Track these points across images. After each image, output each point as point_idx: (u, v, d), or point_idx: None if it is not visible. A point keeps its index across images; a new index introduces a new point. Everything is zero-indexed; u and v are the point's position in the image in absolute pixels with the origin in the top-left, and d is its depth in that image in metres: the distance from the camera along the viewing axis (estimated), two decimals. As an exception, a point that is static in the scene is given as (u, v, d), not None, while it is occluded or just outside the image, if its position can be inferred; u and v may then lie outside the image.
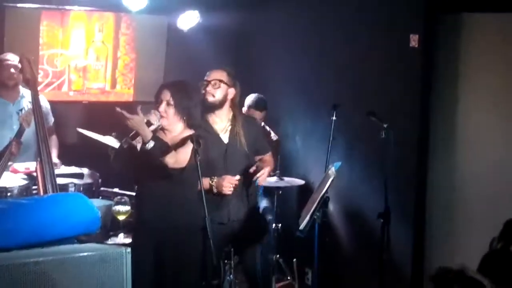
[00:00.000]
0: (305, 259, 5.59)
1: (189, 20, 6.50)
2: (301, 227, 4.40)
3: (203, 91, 4.63)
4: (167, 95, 4.23)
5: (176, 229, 4.24)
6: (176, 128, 4.30)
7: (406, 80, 5.66)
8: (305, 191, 5.56)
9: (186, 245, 4.25)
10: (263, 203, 5.71)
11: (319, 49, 6.29)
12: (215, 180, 4.56)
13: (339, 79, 6.09)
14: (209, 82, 4.65)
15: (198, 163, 4.03)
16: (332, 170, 4.64)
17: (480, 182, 5.54)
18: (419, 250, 5.72)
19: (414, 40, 5.58)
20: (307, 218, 4.50)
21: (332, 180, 4.60)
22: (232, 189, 4.55)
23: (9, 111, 5.48)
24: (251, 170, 4.65)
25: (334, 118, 5.36)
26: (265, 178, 4.69)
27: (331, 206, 5.95)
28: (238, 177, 4.59)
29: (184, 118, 4.28)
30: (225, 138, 4.69)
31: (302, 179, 5.70)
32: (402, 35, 5.62)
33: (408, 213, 5.62)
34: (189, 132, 4.27)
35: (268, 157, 4.92)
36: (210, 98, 4.65)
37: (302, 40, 6.43)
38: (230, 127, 4.71)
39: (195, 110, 4.32)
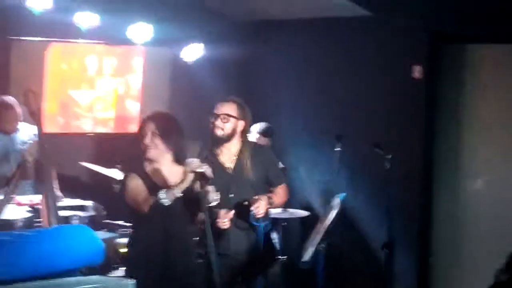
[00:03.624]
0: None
1: (193, 52, 6.54)
2: (306, 258, 4.38)
3: (212, 124, 4.61)
4: (151, 126, 4.20)
5: (174, 263, 4.20)
6: (163, 160, 4.21)
7: (409, 111, 5.68)
8: (310, 222, 5.55)
9: (185, 278, 4.21)
10: (273, 235, 5.64)
11: (323, 80, 6.32)
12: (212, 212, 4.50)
13: (343, 110, 6.11)
14: (218, 115, 4.61)
15: (203, 198, 3.98)
16: (336, 201, 4.63)
17: (484, 211, 5.53)
18: (424, 281, 5.69)
19: (417, 71, 5.60)
20: (312, 249, 4.48)
21: (337, 211, 4.59)
22: (227, 223, 4.48)
23: (6, 145, 5.49)
24: (245, 203, 4.56)
25: (338, 148, 5.36)
26: (260, 211, 4.52)
27: (335, 237, 5.93)
28: (233, 211, 4.51)
29: (171, 149, 4.25)
30: (230, 168, 4.65)
31: (306, 210, 5.70)
32: (405, 66, 5.66)
33: (413, 243, 5.61)
34: (177, 166, 4.16)
35: (279, 189, 4.76)
36: (219, 132, 4.60)
37: (306, 71, 6.46)
38: (236, 158, 4.68)
39: (181, 141, 4.26)
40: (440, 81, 5.73)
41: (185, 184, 4.01)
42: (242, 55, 6.69)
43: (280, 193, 4.75)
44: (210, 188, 4.04)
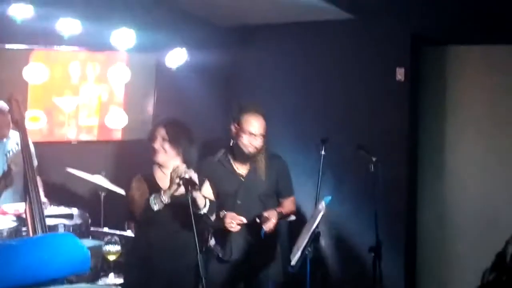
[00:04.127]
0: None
1: (177, 58, 6.53)
2: (293, 262, 4.38)
3: (239, 138, 4.52)
4: (161, 131, 4.23)
5: (170, 270, 4.21)
6: (172, 164, 4.23)
7: (393, 113, 5.70)
8: (296, 226, 5.54)
9: (183, 282, 4.22)
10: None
11: (306, 84, 6.33)
12: (222, 214, 4.50)
13: (327, 114, 6.12)
14: (254, 135, 4.54)
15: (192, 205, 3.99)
16: (322, 205, 4.63)
17: (469, 212, 5.56)
18: (411, 283, 5.71)
19: (400, 74, 5.63)
20: (299, 253, 4.48)
21: (323, 215, 4.59)
22: (235, 226, 4.48)
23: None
24: (257, 220, 4.56)
25: (323, 152, 5.37)
26: (271, 227, 4.57)
27: (322, 241, 5.93)
28: (242, 218, 4.51)
29: (180, 154, 4.26)
30: (243, 174, 4.63)
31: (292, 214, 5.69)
32: (388, 69, 5.68)
33: (399, 245, 5.62)
34: (191, 171, 4.11)
35: (288, 201, 4.82)
36: (251, 150, 4.57)
37: (290, 75, 6.47)
38: (251, 166, 4.64)
39: (191, 146, 4.29)
40: (423, 83, 5.76)
41: (171, 190, 4.01)
42: (225, 60, 6.69)
43: (288, 206, 4.78)
44: (199, 194, 4.04)
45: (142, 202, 4.11)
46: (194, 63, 6.57)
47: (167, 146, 4.20)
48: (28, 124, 6.00)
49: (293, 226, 5.82)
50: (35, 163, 5.65)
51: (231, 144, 4.69)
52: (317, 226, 4.62)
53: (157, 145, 4.20)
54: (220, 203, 4.48)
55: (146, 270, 4.19)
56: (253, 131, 4.53)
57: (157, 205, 4.01)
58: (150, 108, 6.77)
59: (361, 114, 5.87)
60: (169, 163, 4.21)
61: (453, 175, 5.67)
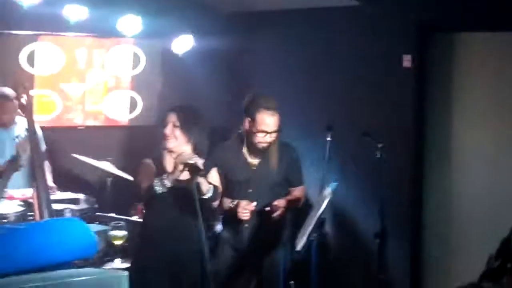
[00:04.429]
0: (303, 281, 5.57)
1: (183, 44, 6.53)
2: (298, 248, 4.40)
3: (257, 137, 4.52)
4: (173, 117, 4.24)
5: (174, 255, 4.24)
6: (183, 150, 4.26)
7: (400, 100, 5.69)
8: (301, 212, 5.56)
9: (189, 268, 4.25)
10: None
11: (312, 70, 6.33)
12: (235, 202, 4.53)
13: (333, 100, 6.12)
14: (267, 132, 4.54)
15: (197, 194, 4.02)
16: (328, 191, 4.64)
17: (475, 200, 5.56)
18: (416, 269, 5.72)
19: (407, 60, 5.62)
20: (304, 239, 4.49)
21: (328, 201, 4.60)
22: (247, 214, 4.50)
23: (2, 138, 5.48)
24: (266, 209, 4.58)
25: (329, 138, 5.37)
26: (280, 215, 4.60)
27: (327, 227, 5.95)
28: (255, 203, 4.53)
29: (191, 141, 4.28)
30: (254, 163, 4.65)
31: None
32: (395, 56, 5.67)
33: (405, 232, 5.63)
34: (195, 156, 4.17)
35: (298, 191, 4.84)
36: (264, 146, 4.58)
37: (296, 62, 6.46)
38: (262, 156, 4.65)
39: (202, 133, 4.31)
40: (429, 70, 5.75)
41: (175, 175, 4.05)
42: (232, 46, 6.69)
43: (298, 195, 4.80)
44: (203, 180, 4.07)
45: (148, 186, 4.14)
46: (200, 49, 6.57)
47: (178, 132, 4.22)
48: (39, 108, 6.08)
49: (298, 212, 5.84)
50: (43, 147, 5.69)
51: (240, 131, 4.68)
52: (322, 212, 4.64)
53: (168, 130, 4.22)
54: (231, 191, 4.50)
55: (151, 253, 4.23)
56: (268, 129, 4.53)
57: (160, 188, 4.05)
58: (156, 94, 6.78)
59: (368, 100, 5.87)
60: (179, 149, 4.22)
61: (459, 162, 5.67)
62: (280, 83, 6.58)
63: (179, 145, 4.24)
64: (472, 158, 5.61)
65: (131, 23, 6.16)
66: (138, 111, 6.75)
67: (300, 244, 4.50)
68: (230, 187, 4.51)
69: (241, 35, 6.68)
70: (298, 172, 4.87)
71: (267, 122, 4.52)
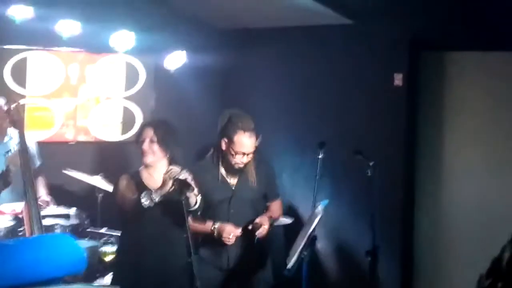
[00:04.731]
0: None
1: (176, 60, 6.54)
2: (289, 266, 4.38)
3: (234, 159, 4.48)
4: (149, 133, 4.27)
5: (161, 270, 4.22)
6: (160, 165, 4.30)
7: (391, 118, 5.71)
8: (293, 229, 5.55)
9: (176, 282, 4.23)
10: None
11: (305, 87, 6.34)
12: (216, 226, 4.47)
13: (325, 117, 6.13)
14: (242, 154, 4.50)
15: (186, 207, 4.02)
16: (319, 208, 4.64)
17: (466, 217, 5.57)
18: (408, 287, 5.71)
19: (398, 79, 5.64)
20: (295, 257, 4.48)
21: (320, 218, 4.60)
22: (232, 239, 4.47)
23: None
24: (249, 227, 4.54)
25: (320, 156, 5.36)
26: (263, 233, 4.56)
27: (318, 245, 5.94)
28: (239, 229, 4.50)
29: (168, 155, 4.29)
30: (233, 183, 4.62)
31: (290, 216, 5.71)
32: (386, 74, 5.69)
33: (396, 249, 5.63)
34: (184, 172, 4.19)
35: (276, 204, 4.81)
36: (239, 166, 4.54)
37: (288, 79, 6.48)
38: (240, 173, 4.63)
39: (177, 147, 4.34)
40: (421, 88, 5.77)
41: (163, 190, 4.06)
42: (224, 63, 6.70)
43: (277, 209, 4.79)
44: (191, 194, 4.07)
45: (131, 200, 4.13)
46: (193, 65, 6.58)
47: (155, 147, 4.24)
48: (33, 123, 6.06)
49: (289, 230, 5.84)
50: (38, 162, 5.66)
51: (213, 152, 4.63)
52: (313, 230, 4.63)
53: (145, 146, 4.25)
54: (210, 212, 4.47)
55: (135, 268, 4.20)
56: (245, 151, 4.50)
57: (147, 202, 4.05)
58: (149, 109, 6.77)
59: (359, 118, 5.89)
60: (157, 164, 4.29)
61: (450, 180, 5.68)
62: (272, 100, 6.59)
63: (156, 160, 4.27)
64: (463, 176, 5.62)
65: (123, 38, 6.16)
66: (129, 126, 6.73)
67: (291, 262, 4.49)
68: (209, 208, 4.45)
69: (234, 52, 6.70)
70: (274, 186, 4.87)
71: (245, 144, 4.48)
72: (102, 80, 6.57)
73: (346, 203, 5.88)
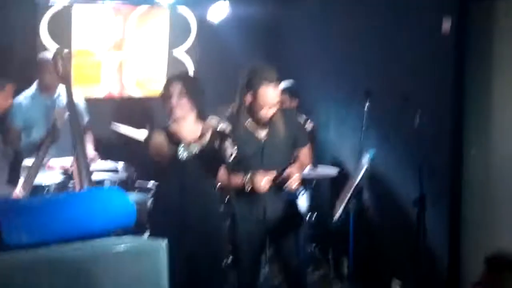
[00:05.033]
0: (341, 248, 5.58)
1: (219, 11, 6.50)
2: (336, 217, 4.39)
3: (262, 111, 4.42)
4: (177, 86, 4.30)
5: (201, 219, 4.29)
6: (189, 118, 4.36)
7: (439, 66, 5.61)
8: (340, 179, 5.55)
9: (205, 233, 4.31)
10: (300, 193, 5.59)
11: (350, 37, 6.26)
12: (248, 175, 4.43)
13: (371, 66, 6.05)
14: (273, 105, 4.43)
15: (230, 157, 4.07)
16: (366, 158, 4.62)
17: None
18: (456, 237, 5.68)
19: (446, 25, 5.52)
20: (341, 208, 4.49)
21: (366, 169, 4.58)
22: (266, 185, 4.46)
23: (47, 108, 5.52)
24: (282, 177, 4.47)
25: (367, 105, 5.31)
26: (294, 184, 4.48)
27: (365, 195, 5.93)
28: (271, 174, 4.48)
29: (194, 107, 4.33)
30: (262, 135, 4.60)
31: (337, 167, 5.69)
32: (434, 20, 5.57)
33: (444, 199, 5.58)
34: (201, 123, 4.32)
35: (305, 150, 4.72)
36: (265, 118, 4.48)
37: (332, 28, 6.40)
38: (268, 124, 4.58)
39: (203, 100, 4.39)
40: (469, 34, 5.64)
41: (203, 141, 4.11)
42: (269, 13, 6.64)
43: (306, 154, 4.72)
44: (228, 143, 4.09)
45: (167, 154, 4.21)
46: (236, 16, 6.53)
47: (184, 101, 4.27)
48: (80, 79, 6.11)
49: (335, 181, 5.84)
50: (86, 118, 5.73)
51: (238, 108, 4.58)
52: (360, 181, 4.62)
53: (174, 100, 4.27)
54: (243, 167, 4.45)
55: (174, 218, 4.26)
56: (271, 102, 4.45)
57: (185, 154, 4.09)
58: (192, 62, 6.77)
59: (406, 66, 5.79)
60: (186, 118, 4.34)
61: (499, 131, 5.58)
62: (317, 50, 6.54)
63: (185, 114, 4.32)
64: (512, 124, 5.52)
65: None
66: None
67: (337, 212, 4.49)
68: (241, 163, 4.43)
69: (277, 2, 6.63)
70: (302, 132, 4.80)
71: (271, 95, 4.42)
72: (147, 33, 6.58)
73: (393, 153, 5.83)
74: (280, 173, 4.46)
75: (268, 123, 4.54)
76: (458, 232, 5.69)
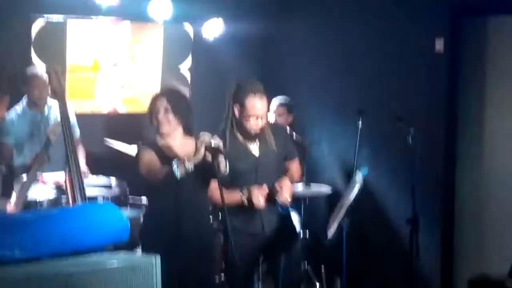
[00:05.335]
0: (334, 266, 5.57)
1: (213, 28, 6.52)
2: (329, 234, 4.39)
3: (249, 123, 4.47)
4: (163, 102, 4.29)
5: (195, 235, 4.27)
6: (176, 134, 4.34)
7: (432, 85, 5.64)
8: (333, 198, 5.55)
9: (199, 249, 4.30)
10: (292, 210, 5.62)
11: (344, 55, 6.29)
12: (245, 191, 4.47)
13: (364, 85, 6.08)
14: (255, 116, 4.47)
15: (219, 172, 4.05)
16: (359, 177, 4.62)
17: (508, 186, 5.50)
18: (448, 256, 5.69)
19: (439, 44, 5.56)
20: (335, 225, 4.49)
21: (359, 187, 4.58)
22: (263, 201, 4.49)
23: (37, 123, 5.52)
24: (276, 190, 4.48)
25: (360, 123, 5.34)
26: (285, 197, 4.50)
27: (358, 213, 5.93)
28: (265, 186, 4.51)
29: (181, 123, 4.32)
30: (255, 150, 4.63)
31: (329, 185, 5.70)
32: (427, 39, 5.61)
33: (437, 218, 5.60)
34: (189, 138, 4.31)
35: (295, 162, 4.79)
36: (254, 131, 4.52)
37: (327, 46, 6.43)
38: (260, 140, 4.63)
39: (190, 116, 4.38)
40: (462, 54, 5.68)
41: (198, 158, 4.09)
42: (262, 29, 6.66)
43: (296, 169, 4.77)
44: (222, 159, 4.09)
45: (159, 170, 4.16)
46: (230, 33, 6.55)
47: (170, 116, 4.26)
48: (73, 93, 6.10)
49: (329, 198, 5.84)
50: (77, 133, 5.72)
51: (228, 122, 4.61)
52: (353, 198, 4.62)
53: (160, 116, 4.26)
54: (235, 182, 4.47)
55: (168, 235, 4.24)
56: (258, 113, 4.51)
57: (180, 172, 4.07)
58: (186, 78, 6.78)
59: (399, 85, 5.83)
60: (173, 133, 4.32)
61: (492, 148, 5.61)
62: (310, 68, 6.55)
63: (172, 129, 4.30)
64: (505, 143, 5.55)
65: (161, 7, 6.15)
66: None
67: (330, 230, 4.50)
68: (234, 178, 4.46)
69: (271, 18, 6.66)
70: (291, 146, 4.85)
71: (257, 106, 4.48)
72: (141, 49, 6.59)
73: (386, 172, 5.85)
74: (273, 187, 4.49)
75: (259, 137, 4.57)
76: (451, 251, 5.70)
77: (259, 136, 4.57)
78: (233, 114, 4.52)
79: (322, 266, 5.66)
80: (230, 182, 4.33)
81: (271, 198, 4.51)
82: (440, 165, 5.61)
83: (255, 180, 4.51)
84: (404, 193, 5.16)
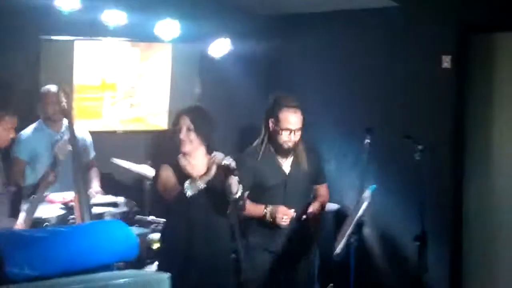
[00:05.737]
0: (342, 284, 5.54)
1: (220, 47, 6.55)
2: (337, 251, 4.38)
3: (282, 137, 4.53)
4: (186, 121, 4.25)
5: (208, 256, 4.25)
6: (198, 153, 4.30)
7: (439, 101, 5.65)
8: (341, 215, 5.54)
9: (211, 269, 4.25)
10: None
11: (351, 72, 6.30)
12: (269, 208, 4.50)
13: (372, 102, 6.09)
14: (290, 130, 4.54)
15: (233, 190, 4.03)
16: (367, 193, 4.62)
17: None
18: (457, 273, 5.66)
19: (446, 61, 5.57)
20: (343, 242, 4.47)
21: (367, 204, 4.57)
22: (287, 221, 4.51)
23: (53, 142, 5.51)
24: (303, 217, 4.58)
25: (368, 141, 5.33)
26: (316, 221, 4.62)
27: (366, 230, 5.91)
28: (293, 210, 4.53)
29: (205, 143, 4.30)
30: (286, 167, 4.66)
31: (337, 203, 5.69)
32: (434, 56, 5.62)
33: (445, 235, 5.58)
34: (228, 157, 4.19)
35: (325, 188, 4.86)
36: (289, 145, 4.56)
37: (333, 64, 6.44)
38: (292, 157, 4.66)
39: (213, 134, 4.34)
40: (469, 70, 5.69)
41: (208, 176, 4.07)
42: (268, 49, 6.69)
43: (326, 193, 4.85)
44: (234, 179, 4.07)
45: (174, 189, 4.15)
46: (237, 52, 6.58)
47: (192, 135, 4.24)
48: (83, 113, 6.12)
49: (337, 215, 5.83)
50: (92, 154, 5.73)
51: (263, 137, 4.65)
52: (361, 215, 4.61)
53: (183, 135, 4.23)
54: (262, 197, 4.49)
55: (182, 255, 4.22)
56: (292, 127, 4.55)
57: (191, 190, 4.06)
58: (194, 97, 6.80)
59: (407, 102, 5.83)
60: (195, 152, 4.28)
61: (500, 164, 5.60)
62: (318, 86, 6.57)
63: (194, 148, 4.26)
64: (513, 160, 5.54)
65: (168, 27, 6.19)
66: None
67: (339, 246, 4.48)
68: (262, 193, 4.48)
69: (278, 38, 6.69)
70: (322, 170, 4.91)
71: (292, 120, 4.54)
72: (149, 68, 6.62)
73: (394, 189, 5.84)
74: (304, 211, 4.51)
75: (291, 153, 4.57)
76: (460, 268, 5.67)
77: (292, 152, 4.59)
78: (268, 128, 4.56)
79: (331, 284, 5.63)
80: (257, 195, 4.35)
81: (300, 221, 4.55)
82: (448, 182, 5.59)
83: (283, 196, 4.54)
84: (412, 210, 5.15)
